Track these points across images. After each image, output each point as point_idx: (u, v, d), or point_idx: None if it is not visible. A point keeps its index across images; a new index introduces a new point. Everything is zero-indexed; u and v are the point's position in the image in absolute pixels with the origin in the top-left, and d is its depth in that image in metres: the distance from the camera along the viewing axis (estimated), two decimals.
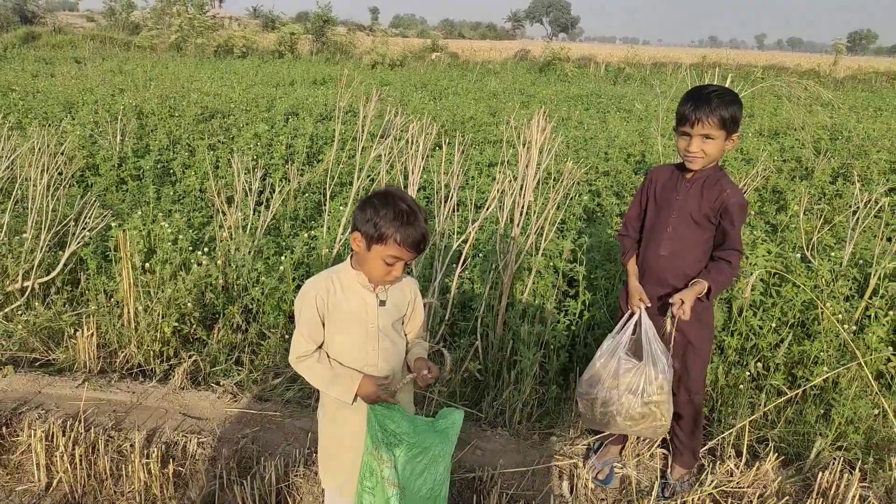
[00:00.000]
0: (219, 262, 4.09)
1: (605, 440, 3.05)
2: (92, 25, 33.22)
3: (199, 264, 3.94)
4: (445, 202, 3.77)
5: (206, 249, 4.17)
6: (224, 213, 4.24)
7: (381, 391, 2.04)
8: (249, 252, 4.06)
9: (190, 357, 3.58)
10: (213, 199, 4.31)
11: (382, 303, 2.12)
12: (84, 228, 4.23)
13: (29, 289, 4.09)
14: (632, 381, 2.51)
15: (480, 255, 4.22)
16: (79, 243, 4.19)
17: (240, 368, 3.63)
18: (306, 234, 4.43)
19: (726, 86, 4.09)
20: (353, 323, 2.07)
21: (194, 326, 3.79)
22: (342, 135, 6.60)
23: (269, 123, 7.79)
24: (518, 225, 3.62)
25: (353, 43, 27.00)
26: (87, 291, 4.23)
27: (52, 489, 2.83)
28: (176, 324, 3.68)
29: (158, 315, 3.68)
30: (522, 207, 3.65)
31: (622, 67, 23.56)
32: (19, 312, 3.95)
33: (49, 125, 7.79)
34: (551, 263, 4.25)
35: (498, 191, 3.55)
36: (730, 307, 3.62)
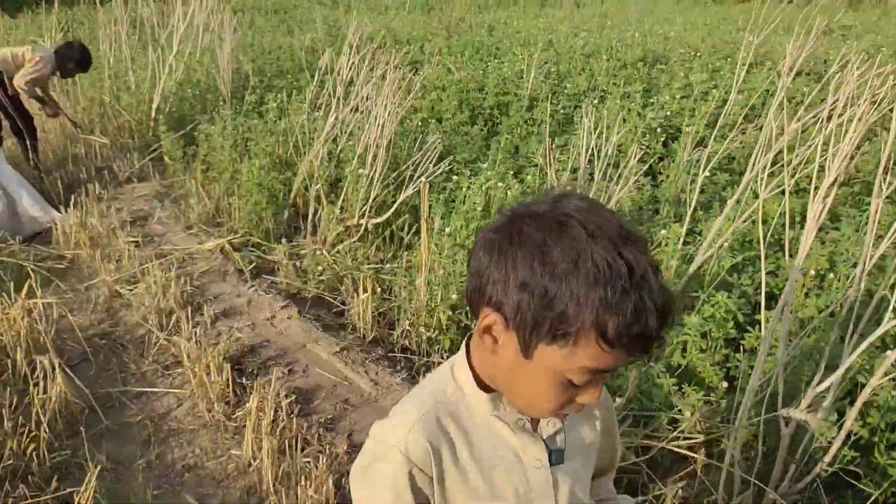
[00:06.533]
0: None
1: None
2: None
3: None
4: None
5: None
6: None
7: None
8: None
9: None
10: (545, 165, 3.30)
11: (559, 454, 0.90)
12: (422, 174, 3.79)
13: (362, 228, 3.89)
14: None
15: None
16: (414, 188, 3.79)
17: None
18: (672, 229, 3.04)
19: None
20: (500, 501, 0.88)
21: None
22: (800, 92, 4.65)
23: (709, 72, 6.16)
24: None
25: None
26: (413, 243, 3.84)
27: (252, 467, 2.45)
28: (451, 312, 2.91)
29: (437, 296, 2.97)
30: None
31: None
32: (339, 252, 3.77)
33: (495, 60, 7.79)
34: None
35: None
36: None
